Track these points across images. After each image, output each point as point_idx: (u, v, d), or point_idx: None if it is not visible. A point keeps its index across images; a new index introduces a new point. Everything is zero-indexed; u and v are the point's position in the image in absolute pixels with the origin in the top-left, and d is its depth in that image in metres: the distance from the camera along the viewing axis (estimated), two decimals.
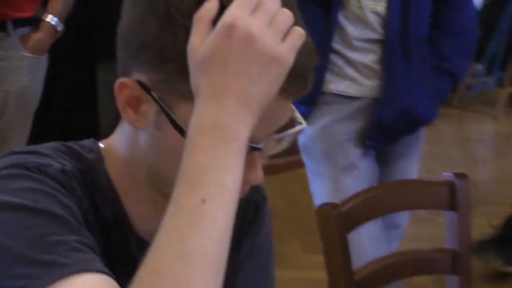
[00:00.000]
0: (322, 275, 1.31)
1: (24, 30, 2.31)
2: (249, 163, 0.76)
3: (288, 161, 1.96)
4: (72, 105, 3.23)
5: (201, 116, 0.69)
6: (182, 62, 0.71)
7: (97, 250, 0.78)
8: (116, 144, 0.87)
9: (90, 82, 3.03)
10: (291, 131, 0.79)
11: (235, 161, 0.69)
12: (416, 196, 1.36)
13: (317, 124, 1.64)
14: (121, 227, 0.87)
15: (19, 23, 2.34)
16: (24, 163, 0.80)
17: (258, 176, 0.79)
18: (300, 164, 1.75)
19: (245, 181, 0.75)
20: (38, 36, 2.31)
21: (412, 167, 1.82)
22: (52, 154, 0.84)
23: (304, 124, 0.80)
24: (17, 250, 0.75)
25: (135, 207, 0.87)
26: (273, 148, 0.82)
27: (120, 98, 0.80)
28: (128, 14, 0.80)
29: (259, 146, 0.76)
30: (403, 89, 1.65)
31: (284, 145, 0.82)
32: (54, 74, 2.47)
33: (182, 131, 0.75)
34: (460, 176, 1.26)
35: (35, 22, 2.33)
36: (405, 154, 1.79)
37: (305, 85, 0.76)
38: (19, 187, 0.78)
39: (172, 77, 0.75)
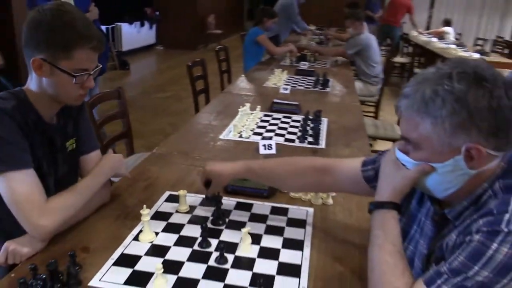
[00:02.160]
0: None
1: None
2: (86, 80, 1.36)
3: None
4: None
5: None
6: (58, 45, 1.27)
7: (28, 151, 1.30)
8: (30, 87, 1.40)
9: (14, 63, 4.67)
10: (97, 68, 1.39)
11: None
12: None
13: None
14: (40, 124, 1.39)
15: None
16: None
17: (91, 83, 1.37)
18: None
19: (85, 87, 1.37)
20: None
21: None
22: (7, 97, 1.34)
23: (100, 66, 1.40)
24: None
25: (45, 112, 1.41)
26: (94, 74, 1.38)
27: (33, 65, 1.33)
28: (23, 32, 1.32)
29: (91, 73, 1.36)
30: None
31: (96, 73, 1.39)
32: None
33: (64, 71, 1.31)
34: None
35: None
36: None
37: (101, 47, 1.36)
38: None
39: (55, 52, 1.30)
